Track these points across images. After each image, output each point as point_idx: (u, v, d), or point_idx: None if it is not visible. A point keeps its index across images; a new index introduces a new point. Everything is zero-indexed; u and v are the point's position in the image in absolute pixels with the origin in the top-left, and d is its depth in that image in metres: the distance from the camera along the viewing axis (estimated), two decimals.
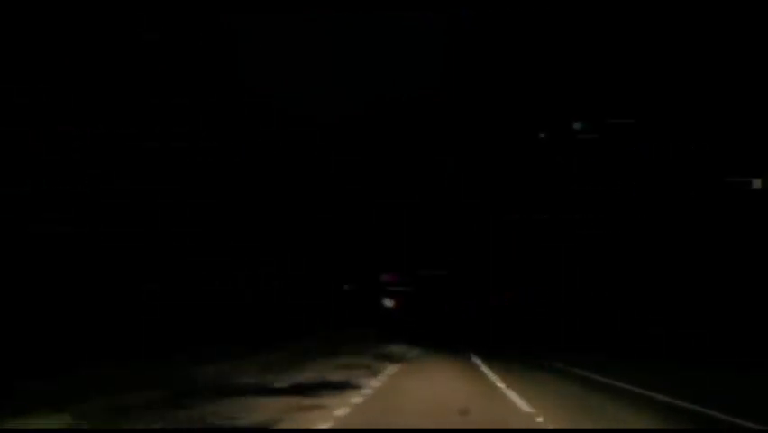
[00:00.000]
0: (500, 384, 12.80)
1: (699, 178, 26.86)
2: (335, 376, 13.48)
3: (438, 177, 41.80)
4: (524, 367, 18.29)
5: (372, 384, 12.35)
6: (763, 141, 23.85)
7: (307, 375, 13.44)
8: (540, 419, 8.31)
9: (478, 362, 19.32)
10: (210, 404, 9.10)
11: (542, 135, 37.83)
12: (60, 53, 16.40)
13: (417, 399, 10.29)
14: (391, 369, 16.28)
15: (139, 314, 17.54)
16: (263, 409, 8.85)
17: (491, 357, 21.52)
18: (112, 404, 8.45)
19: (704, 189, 26.40)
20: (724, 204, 25.31)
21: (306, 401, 9.73)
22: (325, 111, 28.76)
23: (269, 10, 23.21)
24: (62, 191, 16.46)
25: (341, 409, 9.00)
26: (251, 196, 26.15)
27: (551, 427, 7.87)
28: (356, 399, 10.08)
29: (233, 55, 23.93)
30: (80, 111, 17.17)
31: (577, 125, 35.18)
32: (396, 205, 41.07)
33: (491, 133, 39.26)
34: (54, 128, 16.30)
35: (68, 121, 16.74)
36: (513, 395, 10.91)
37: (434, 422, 8.15)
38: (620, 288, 32.78)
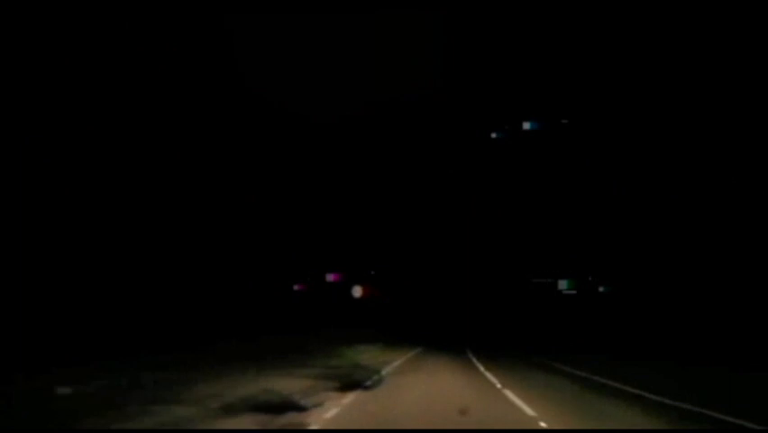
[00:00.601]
0: (515, 400, 10.12)
1: (700, 179, 26.86)
2: None
3: (438, 177, 41.89)
4: (524, 369, 18.29)
5: None
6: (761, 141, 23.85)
7: None
8: (543, 423, 8.30)
9: (482, 368, 18.42)
10: None
11: (493, 135, 37.56)
12: (61, 53, 16.38)
13: None
14: (326, 413, 8.50)
15: (124, 317, 17.20)
16: None
17: (489, 360, 21.47)
18: None
19: (704, 190, 26.41)
20: (724, 204, 25.30)
21: None
22: (325, 111, 28.78)
23: (269, 10, 23.21)
24: (62, 191, 16.44)
25: None
26: (250, 196, 26.14)
27: (552, 427, 7.88)
28: None
29: (232, 55, 23.92)
30: (80, 111, 17.16)
31: (527, 125, 35.06)
32: (394, 204, 41.13)
33: (490, 132, 39.28)
34: (54, 128, 16.29)
35: (68, 121, 16.72)
36: (518, 401, 10.89)
37: None
38: (620, 288, 32.78)
